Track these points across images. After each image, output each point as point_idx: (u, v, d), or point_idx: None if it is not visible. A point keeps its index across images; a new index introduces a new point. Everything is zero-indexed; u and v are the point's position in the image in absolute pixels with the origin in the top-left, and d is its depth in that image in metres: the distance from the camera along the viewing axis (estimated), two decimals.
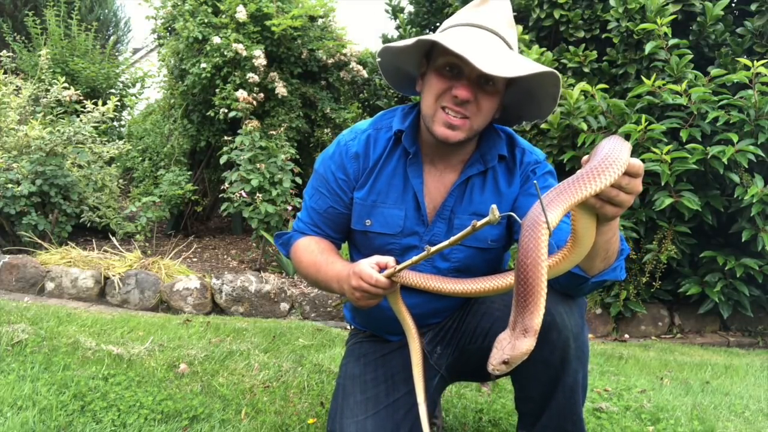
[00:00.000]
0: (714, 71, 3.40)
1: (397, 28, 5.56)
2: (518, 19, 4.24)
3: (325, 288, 1.48)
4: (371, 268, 1.26)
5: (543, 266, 0.91)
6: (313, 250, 1.49)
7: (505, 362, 0.95)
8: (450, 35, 1.31)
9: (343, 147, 1.50)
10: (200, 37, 4.44)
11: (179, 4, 4.71)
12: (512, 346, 0.95)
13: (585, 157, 0.97)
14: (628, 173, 0.93)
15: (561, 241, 1.19)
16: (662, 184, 3.17)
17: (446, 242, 1.10)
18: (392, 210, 1.46)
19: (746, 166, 3.09)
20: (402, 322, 1.39)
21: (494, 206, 0.93)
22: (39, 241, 3.97)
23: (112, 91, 6.49)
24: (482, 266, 1.47)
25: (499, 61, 1.24)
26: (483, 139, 1.45)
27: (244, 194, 3.97)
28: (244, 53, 4.30)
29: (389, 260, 1.27)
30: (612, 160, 0.91)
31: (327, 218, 1.52)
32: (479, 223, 0.99)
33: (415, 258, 1.19)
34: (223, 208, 4.18)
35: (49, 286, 3.52)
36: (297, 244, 1.54)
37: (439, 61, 1.33)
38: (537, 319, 0.93)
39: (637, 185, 0.95)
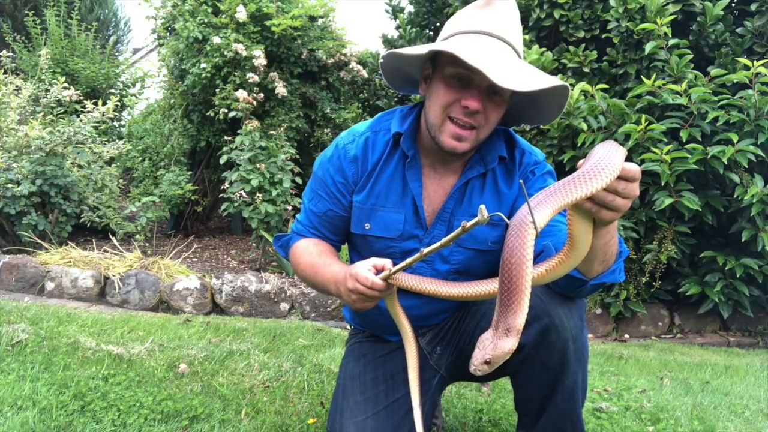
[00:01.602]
0: (714, 71, 3.40)
1: (397, 28, 5.55)
2: None
3: (323, 290, 1.47)
4: (368, 271, 1.25)
5: (527, 265, 0.90)
6: (311, 252, 1.48)
7: (486, 362, 0.95)
8: (461, 44, 1.27)
9: (342, 150, 1.48)
10: (200, 37, 4.44)
11: (179, 4, 4.71)
12: (494, 345, 0.94)
13: (581, 161, 0.96)
14: (624, 178, 0.92)
15: (559, 243, 1.19)
16: (662, 184, 3.17)
17: (438, 243, 1.09)
18: (391, 213, 1.45)
19: (746, 166, 3.09)
20: (398, 325, 1.38)
21: (482, 206, 0.92)
22: (39, 241, 3.97)
23: (112, 91, 6.48)
24: (482, 268, 1.46)
25: (513, 74, 1.22)
26: (483, 141, 1.42)
27: (244, 194, 3.97)
28: (244, 53, 4.30)
29: (386, 262, 1.26)
30: (604, 165, 0.90)
31: (326, 221, 1.52)
32: (469, 223, 0.98)
33: (410, 260, 1.18)
34: (223, 208, 4.18)
35: (49, 286, 3.52)
36: (296, 246, 1.54)
37: (448, 70, 1.30)
38: (520, 318, 0.92)
39: (634, 190, 0.94)
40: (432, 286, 1.25)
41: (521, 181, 0.93)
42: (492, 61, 1.21)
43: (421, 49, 1.30)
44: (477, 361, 0.96)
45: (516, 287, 0.91)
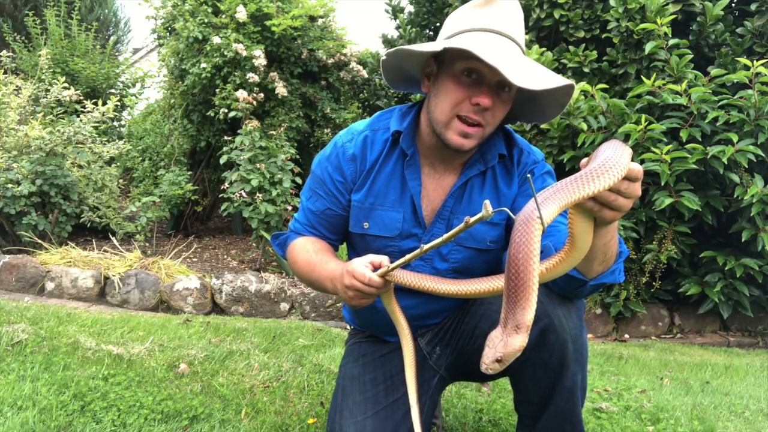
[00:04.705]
0: (714, 71, 3.40)
1: (397, 28, 5.56)
2: None
3: (320, 288, 1.47)
4: (365, 267, 1.25)
5: (534, 261, 0.89)
6: (308, 250, 1.48)
7: (498, 360, 0.93)
8: (472, 41, 1.25)
9: (340, 148, 1.48)
10: (200, 37, 4.44)
11: (179, 4, 4.71)
12: (504, 343, 0.93)
13: (584, 160, 0.96)
14: (627, 178, 0.92)
15: (559, 243, 1.18)
16: (662, 184, 3.17)
17: (439, 239, 1.09)
18: (390, 212, 1.45)
19: (746, 166, 3.08)
20: (395, 323, 1.38)
21: (487, 201, 0.92)
22: (39, 241, 3.97)
23: (112, 91, 6.49)
24: (481, 267, 1.46)
25: (526, 72, 1.21)
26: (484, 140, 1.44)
27: (244, 194, 3.98)
28: (244, 53, 4.30)
29: (383, 259, 1.26)
30: (612, 164, 0.90)
31: (324, 220, 1.52)
32: (472, 219, 0.97)
33: (408, 256, 1.18)
34: (223, 208, 4.18)
35: (49, 286, 3.52)
36: (293, 245, 1.53)
37: (457, 67, 1.28)
38: (529, 314, 0.91)
39: (636, 190, 0.95)
40: (430, 283, 1.25)
41: (528, 175, 0.92)
42: (506, 59, 1.21)
43: (433, 45, 1.27)
44: (488, 360, 0.94)
45: (523, 283, 0.90)
